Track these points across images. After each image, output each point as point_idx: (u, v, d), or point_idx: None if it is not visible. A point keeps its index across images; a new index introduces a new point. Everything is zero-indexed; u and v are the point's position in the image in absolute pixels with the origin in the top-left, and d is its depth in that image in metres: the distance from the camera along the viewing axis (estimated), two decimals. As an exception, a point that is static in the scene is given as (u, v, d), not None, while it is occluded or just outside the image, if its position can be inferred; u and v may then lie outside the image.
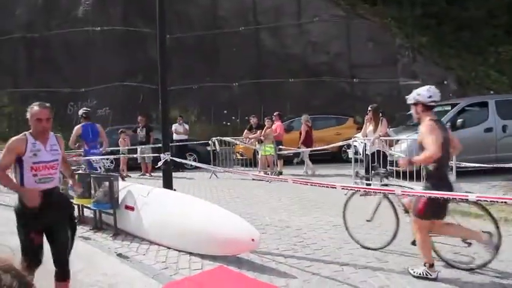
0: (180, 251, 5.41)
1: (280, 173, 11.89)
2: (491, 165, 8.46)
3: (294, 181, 5.74)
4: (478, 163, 8.63)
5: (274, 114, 12.96)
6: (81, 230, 6.79)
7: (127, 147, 13.28)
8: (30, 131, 3.75)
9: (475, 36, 20.76)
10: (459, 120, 10.60)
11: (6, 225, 7.05)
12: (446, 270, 4.58)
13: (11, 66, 20.94)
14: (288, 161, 13.61)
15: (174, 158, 7.80)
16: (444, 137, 4.30)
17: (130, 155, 12.95)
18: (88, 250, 5.75)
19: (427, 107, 4.44)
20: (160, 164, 7.42)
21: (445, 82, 19.09)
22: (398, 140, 10.18)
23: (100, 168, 8.83)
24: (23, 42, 21.30)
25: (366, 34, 19.85)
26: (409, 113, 16.41)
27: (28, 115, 3.75)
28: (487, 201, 3.87)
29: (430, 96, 4.42)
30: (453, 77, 19.29)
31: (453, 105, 11.30)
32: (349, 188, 5.44)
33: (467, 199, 3.84)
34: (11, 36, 20.92)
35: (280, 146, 12.49)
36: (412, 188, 5.31)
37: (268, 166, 12.31)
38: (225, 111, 19.17)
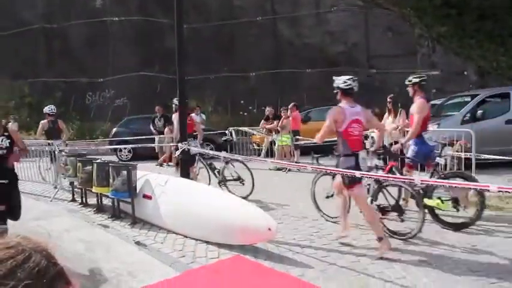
0: (197, 239, 5.45)
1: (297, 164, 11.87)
2: (512, 158, 8.31)
3: (312, 168, 5.73)
4: (498, 155, 8.49)
5: (291, 104, 12.91)
6: (100, 218, 6.90)
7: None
8: None
9: (496, 26, 20.30)
10: (479, 112, 10.41)
11: (27, 213, 7.21)
12: (466, 259, 4.55)
13: (31, 57, 21.20)
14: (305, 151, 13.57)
15: (191, 148, 7.84)
16: None
17: (149, 145, 12.99)
18: (107, 238, 5.84)
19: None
20: (178, 153, 7.46)
21: (465, 73, 18.78)
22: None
23: None
24: (42, 33, 21.52)
25: (385, 24, 19.61)
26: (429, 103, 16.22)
27: None
28: (508, 192, 3.81)
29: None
30: (473, 68, 18.95)
31: (473, 96, 11.11)
32: (367, 176, 5.42)
33: (488, 189, 3.79)
34: (30, 27, 21.16)
35: (297, 137, 12.45)
36: None
37: (285, 156, 12.30)
38: (242, 102, 19.15)
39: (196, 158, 8.51)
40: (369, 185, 5.87)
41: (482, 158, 8.43)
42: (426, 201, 5.65)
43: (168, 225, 5.94)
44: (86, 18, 20.85)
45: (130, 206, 6.48)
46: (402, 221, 5.53)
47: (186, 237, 5.59)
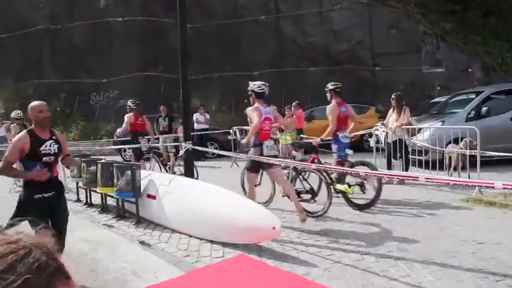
0: (201, 239, 5.46)
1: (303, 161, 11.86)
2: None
3: (316, 166, 5.74)
4: (503, 152, 8.45)
5: (294, 103, 12.89)
6: (104, 218, 6.93)
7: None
8: None
9: (501, 22, 20.13)
10: (484, 109, 10.36)
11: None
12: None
13: (35, 58, 21.28)
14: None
15: (195, 147, 7.85)
16: None
17: (153, 145, 13.03)
18: (111, 238, 5.86)
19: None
20: (181, 153, 7.49)
21: (470, 70, 18.68)
22: (420, 129, 10.03)
23: None
24: (46, 34, 21.59)
25: (388, 21, 19.51)
26: (432, 101, 16.26)
27: None
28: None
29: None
30: (478, 65, 18.85)
31: (478, 93, 11.06)
32: (371, 174, 5.41)
33: (493, 187, 3.78)
34: (34, 28, 21.24)
35: (302, 135, 12.44)
36: None
37: (289, 155, 12.28)
38: (246, 101, 19.07)
39: (151, 155, 9.70)
40: (288, 172, 6.95)
41: (488, 155, 8.41)
42: (338, 186, 6.84)
43: (173, 224, 5.95)
44: (90, 19, 20.89)
45: (134, 206, 6.50)
46: (315, 201, 6.55)
47: (191, 236, 5.60)
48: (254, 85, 6.38)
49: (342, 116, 7.31)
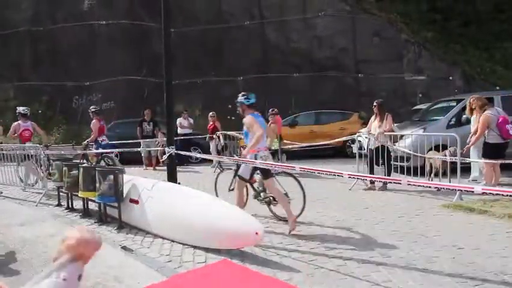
0: (184, 244, 5.44)
1: None
2: (496, 161, 8.43)
3: (301, 168, 5.77)
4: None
5: (270, 110, 12.70)
6: (86, 223, 6.84)
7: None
8: None
9: (481, 32, 20.59)
10: (464, 116, 10.53)
11: (12, 218, 7.14)
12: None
13: (17, 60, 20.99)
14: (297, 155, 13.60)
15: (179, 152, 7.82)
16: None
17: (136, 149, 12.92)
18: (93, 243, 5.78)
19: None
20: (165, 157, 7.45)
21: (451, 78, 19.01)
22: (402, 135, 10.17)
23: None
24: (28, 36, 21.32)
25: (372, 29, 19.77)
26: (414, 108, 16.44)
27: None
28: (492, 193, 3.86)
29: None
30: (459, 73, 19.20)
31: (458, 101, 11.25)
32: (355, 177, 5.45)
33: (472, 191, 3.84)
34: (17, 30, 20.95)
35: (285, 141, 12.45)
36: None
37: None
38: (230, 106, 19.11)
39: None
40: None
41: (467, 161, 8.56)
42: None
43: (155, 229, 5.92)
44: (73, 22, 20.70)
45: (116, 211, 6.44)
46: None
47: (173, 241, 5.57)
48: (19, 108, 10.11)
49: (101, 127, 10.99)
